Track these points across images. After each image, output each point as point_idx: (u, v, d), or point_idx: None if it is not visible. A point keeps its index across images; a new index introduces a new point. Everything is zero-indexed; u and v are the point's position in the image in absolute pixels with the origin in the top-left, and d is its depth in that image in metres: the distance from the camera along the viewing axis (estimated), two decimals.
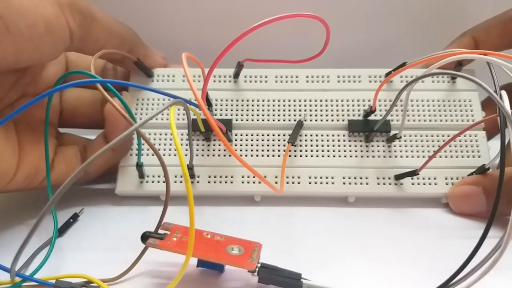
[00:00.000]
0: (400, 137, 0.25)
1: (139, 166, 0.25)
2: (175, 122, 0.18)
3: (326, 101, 0.28)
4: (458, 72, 0.20)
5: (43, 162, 0.24)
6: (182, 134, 0.27)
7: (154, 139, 0.27)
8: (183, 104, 0.20)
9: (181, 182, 0.26)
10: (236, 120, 0.27)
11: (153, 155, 0.27)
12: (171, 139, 0.27)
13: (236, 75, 0.28)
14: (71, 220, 0.24)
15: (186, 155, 0.26)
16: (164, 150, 0.27)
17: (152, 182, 0.26)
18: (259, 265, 0.19)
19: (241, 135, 0.27)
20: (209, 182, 0.26)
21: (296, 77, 0.28)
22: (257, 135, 0.27)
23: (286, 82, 0.28)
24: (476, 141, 0.27)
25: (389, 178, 0.26)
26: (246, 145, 0.27)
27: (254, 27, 0.18)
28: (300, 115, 0.27)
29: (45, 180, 0.25)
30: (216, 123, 0.24)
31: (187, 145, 0.27)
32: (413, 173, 0.25)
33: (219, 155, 0.27)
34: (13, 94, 0.24)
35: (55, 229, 0.23)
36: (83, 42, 0.24)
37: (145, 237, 0.19)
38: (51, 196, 0.24)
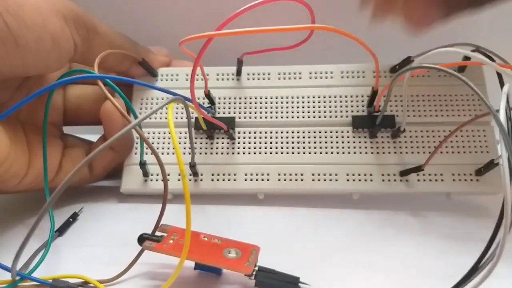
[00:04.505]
0: (404, 130, 0.25)
1: (142, 164, 0.26)
2: (172, 119, 0.18)
3: (329, 97, 0.28)
4: (448, 70, 0.19)
5: (52, 162, 0.25)
6: (185, 133, 0.27)
7: (158, 138, 0.27)
8: (182, 101, 0.21)
9: None
10: (239, 118, 0.27)
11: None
12: None
13: (238, 73, 0.28)
14: (71, 220, 0.25)
15: (189, 154, 0.26)
16: (168, 148, 0.27)
17: (156, 180, 0.26)
18: (256, 268, 0.18)
19: (244, 132, 0.27)
20: (212, 180, 0.26)
21: (299, 73, 0.28)
22: (260, 133, 0.27)
23: (289, 79, 0.28)
24: (484, 136, 0.26)
25: (394, 175, 0.25)
26: (249, 143, 0.27)
27: (242, 10, 0.18)
28: (303, 112, 0.27)
29: (54, 180, 0.25)
30: (217, 122, 0.24)
31: (187, 143, 0.27)
32: (418, 169, 0.24)
33: (222, 153, 0.27)
34: (18, 97, 0.25)
35: (52, 229, 0.23)
36: (85, 55, 0.24)
37: (142, 239, 0.20)
38: (48, 196, 0.24)
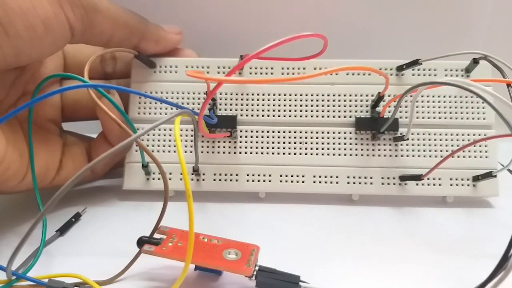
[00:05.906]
0: (408, 139, 0.25)
1: (144, 166, 0.26)
2: (179, 136, 0.17)
3: (333, 95, 0.27)
4: (466, 86, 0.19)
5: (52, 161, 0.25)
6: (186, 130, 0.27)
7: (159, 135, 0.27)
8: (190, 115, 0.20)
9: None
10: (241, 115, 0.27)
11: (158, 151, 0.27)
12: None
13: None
14: (73, 220, 0.25)
15: (191, 152, 0.26)
16: (169, 146, 0.27)
17: (159, 179, 0.26)
18: (256, 268, 0.19)
19: (246, 131, 0.27)
20: (214, 180, 0.26)
21: (303, 69, 0.27)
22: (262, 132, 0.27)
23: (293, 74, 0.27)
24: (485, 141, 0.26)
25: (394, 178, 0.26)
26: (251, 142, 0.27)
27: (261, 51, 0.17)
28: (306, 111, 0.27)
29: (55, 179, 0.25)
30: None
31: (191, 141, 0.27)
32: (417, 178, 0.25)
33: (223, 152, 0.27)
34: (14, 93, 0.24)
35: (44, 230, 0.23)
36: (87, 35, 0.23)
37: (141, 242, 0.20)
38: (38, 197, 0.24)
